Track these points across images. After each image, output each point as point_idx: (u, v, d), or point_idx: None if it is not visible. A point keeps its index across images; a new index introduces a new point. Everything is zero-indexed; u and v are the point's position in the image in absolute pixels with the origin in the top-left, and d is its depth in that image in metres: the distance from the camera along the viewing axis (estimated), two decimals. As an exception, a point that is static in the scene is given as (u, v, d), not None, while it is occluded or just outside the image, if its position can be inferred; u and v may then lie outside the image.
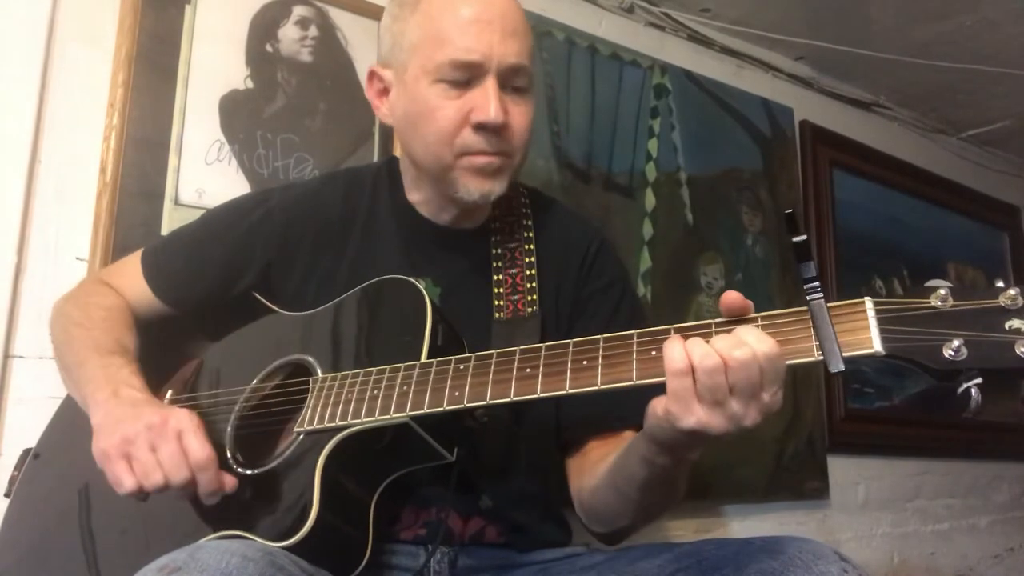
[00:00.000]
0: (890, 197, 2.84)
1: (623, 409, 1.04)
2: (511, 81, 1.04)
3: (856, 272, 2.67)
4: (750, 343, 0.72)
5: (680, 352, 0.73)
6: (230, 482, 0.90)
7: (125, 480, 0.87)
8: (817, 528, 2.36)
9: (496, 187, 1.05)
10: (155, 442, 0.87)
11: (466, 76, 1.01)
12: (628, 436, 1.08)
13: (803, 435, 2.33)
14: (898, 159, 2.88)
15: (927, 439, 2.68)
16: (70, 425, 1.13)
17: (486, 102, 1.00)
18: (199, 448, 0.87)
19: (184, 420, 0.89)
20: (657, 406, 0.77)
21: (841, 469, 2.46)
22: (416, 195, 1.15)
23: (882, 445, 2.59)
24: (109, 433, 0.90)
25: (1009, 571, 2.94)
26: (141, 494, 0.88)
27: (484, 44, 1.00)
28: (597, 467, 1.03)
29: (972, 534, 2.87)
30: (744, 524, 2.17)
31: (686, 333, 0.77)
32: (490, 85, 1.01)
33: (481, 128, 1.01)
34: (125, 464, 0.87)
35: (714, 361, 0.71)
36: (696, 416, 0.73)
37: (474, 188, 1.04)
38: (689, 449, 0.83)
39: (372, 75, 1.13)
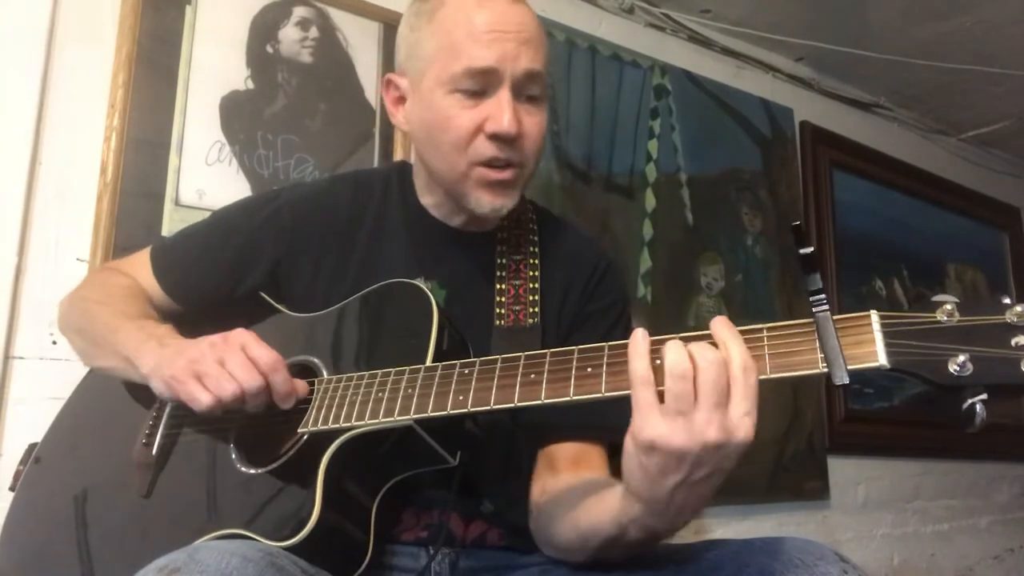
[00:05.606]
0: (890, 197, 2.85)
1: (589, 419, 1.03)
2: (526, 90, 1.04)
3: (856, 273, 2.67)
4: (729, 345, 0.71)
5: (644, 364, 0.72)
6: (301, 386, 0.94)
7: (201, 396, 0.88)
8: (817, 529, 2.37)
9: (508, 201, 1.06)
10: (222, 356, 0.89)
11: (481, 85, 1.01)
12: (594, 452, 1.06)
13: (803, 435, 2.33)
14: (898, 160, 2.89)
15: (927, 439, 2.68)
16: (71, 430, 1.13)
17: (500, 112, 1.00)
18: (266, 354, 0.90)
19: (244, 333, 0.92)
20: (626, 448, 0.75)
21: (841, 469, 2.46)
22: (429, 198, 1.15)
23: (882, 446, 2.60)
24: (171, 363, 0.92)
25: (1009, 571, 2.94)
26: (219, 408, 0.89)
27: (498, 52, 1.00)
28: (561, 494, 1.00)
29: (972, 535, 2.87)
30: (744, 524, 2.17)
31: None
32: (504, 95, 1.01)
33: (495, 137, 1.02)
34: (196, 382, 0.89)
35: (683, 367, 0.70)
36: (655, 428, 0.70)
37: (486, 202, 1.05)
38: (658, 510, 0.76)
39: (389, 83, 1.14)
